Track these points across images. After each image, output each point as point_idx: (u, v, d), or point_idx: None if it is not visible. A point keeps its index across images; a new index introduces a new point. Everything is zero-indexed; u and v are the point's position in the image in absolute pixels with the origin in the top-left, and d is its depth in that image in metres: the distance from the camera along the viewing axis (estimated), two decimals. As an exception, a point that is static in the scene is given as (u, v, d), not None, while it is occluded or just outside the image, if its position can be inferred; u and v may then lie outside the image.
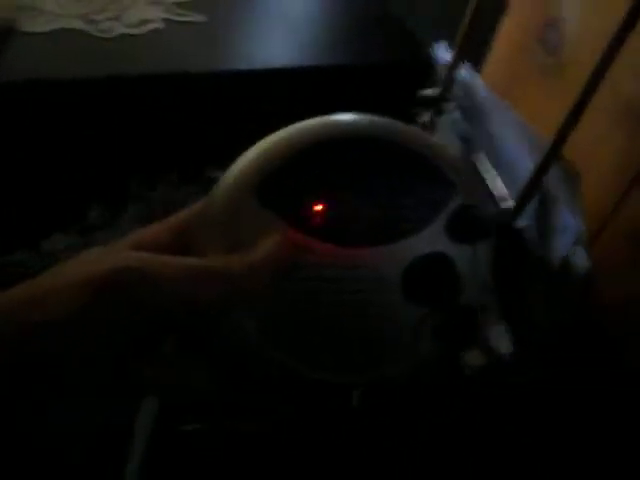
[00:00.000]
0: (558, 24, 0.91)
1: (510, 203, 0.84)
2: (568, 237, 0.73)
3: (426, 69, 0.60)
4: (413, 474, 0.74)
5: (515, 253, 0.84)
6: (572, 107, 0.69)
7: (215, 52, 0.61)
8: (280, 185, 0.36)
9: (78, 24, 0.89)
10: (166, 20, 0.90)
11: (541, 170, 0.74)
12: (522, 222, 0.83)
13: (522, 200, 0.77)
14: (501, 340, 0.88)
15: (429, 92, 0.91)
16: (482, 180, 0.90)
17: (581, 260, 0.73)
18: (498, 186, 0.87)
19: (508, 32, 1.03)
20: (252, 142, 0.38)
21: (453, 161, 0.40)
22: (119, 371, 0.32)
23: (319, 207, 0.37)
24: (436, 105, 0.90)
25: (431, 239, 0.39)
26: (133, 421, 0.55)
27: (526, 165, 0.78)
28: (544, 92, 0.94)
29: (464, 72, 0.91)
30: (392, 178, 0.38)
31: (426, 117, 0.94)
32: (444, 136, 1.01)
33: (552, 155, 0.72)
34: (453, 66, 0.86)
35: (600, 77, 0.67)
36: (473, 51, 1.00)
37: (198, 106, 0.60)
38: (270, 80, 0.58)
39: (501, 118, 0.85)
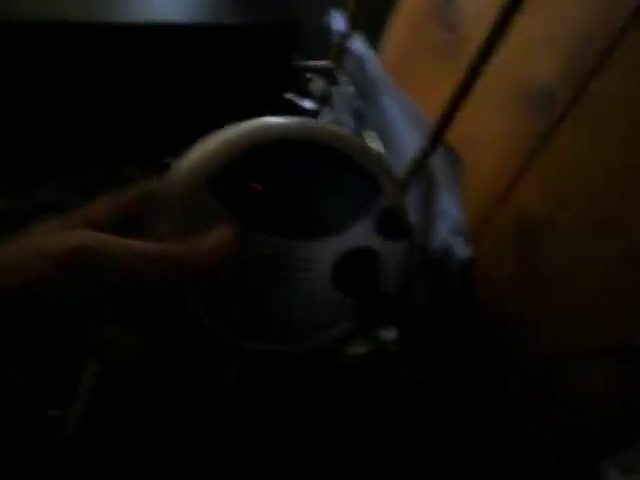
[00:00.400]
0: (456, 1, 0.87)
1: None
2: (447, 224, 0.70)
3: (292, 35, 0.54)
4: (285, 454, 0.72)
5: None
6: (457, 88, 0.66)
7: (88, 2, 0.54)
8: (227, 181, 0.41)
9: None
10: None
11: (425, 152, 0.71)
12: (408, 206, 0.80)
13: (406, 182, 0.74)
14: (384, 327, 0.85)
15: (322, 63, 0.86)
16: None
17: (460, 249, 0.70)
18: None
19: (407, 7, 0.99)
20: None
21: (381, 164, 0.45)
22: (67, 337, 0.36)
23: (260, 202, 0.42)
24: (329, 76, 0.85)
25: (360, 235, 0.45)
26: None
27: (414, 147, 0.75)
28: (441, 71, 0.91)
29: (358, 44, 0.87)
30: (326, 180, 0.43)
31: (320, 87, 0.88)
32: (339, 109, 0.96)
33: (437, 137, 0.69)
34: (345, 37, 0.81)
35: (487, 56, 0.64)
36: (374, 26, 0.96)
37: (72, 59, 0.53)
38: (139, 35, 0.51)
39: (391, 97, 0.81)
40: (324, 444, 0.75)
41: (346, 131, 0.45)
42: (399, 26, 1.01)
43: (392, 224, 0.45)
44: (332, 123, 0.42)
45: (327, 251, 0.45)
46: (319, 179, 0.43)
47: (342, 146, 0.43)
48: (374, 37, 0.97)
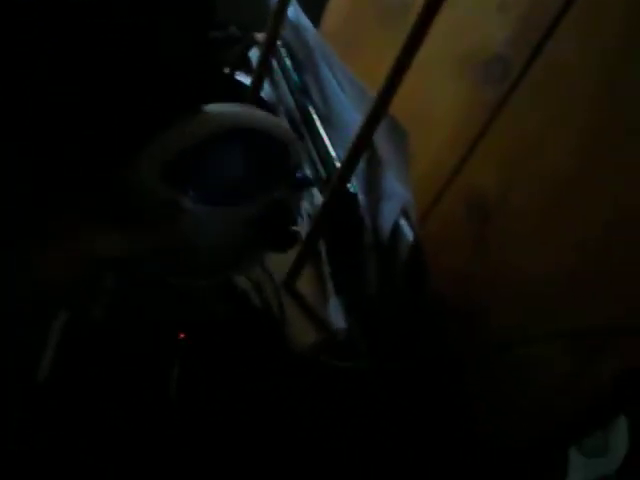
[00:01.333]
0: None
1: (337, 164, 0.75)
2: (394, 205, 0.65)
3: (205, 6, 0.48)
4: (227, 459, 0.68)
5: (348, 221, 0.76)
6: (399, 54, 0.60)
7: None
8: (175, 167, 0.50)
9: None
10: None
11: (368, 127, 0.65)
12: (354, 186, 0.75)
13: (350, 160, 0.68)
14: (335, 315, 0.80)
15: (258, 34, 0.79)
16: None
17: (409, 233, 0.65)
18: (327, 145, 0.78)
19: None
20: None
21: (288, 133, 0.57)
22: None
23: (202, 182, 0.52)
24: (267, 46, 0.79)
25: (274, 191, 0.57)
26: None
27: (357, 122, 0.69)
28: (386, 39, 0.85)
29: (295, 13, 0.80)
30: (250, 155, 0.54)
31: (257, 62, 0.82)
32: (278, 83, 0.90)
33: (380, 110, 0.63)
34: (281, 4, 0.74)
35: (429, 19, 0.58)
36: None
37: None
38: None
39: (331, 68, 0.75)
40: (273, 436, 0.71)
41: (259, 112, 0.55)
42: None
43: (297, 180, 0.58)
44: (248, 107, 0.56)
45: (252, 208, 0.56)
46: (243, 155, 0.54)
47: (257, 125, 0.53)
48: (313, 6, 0.90)
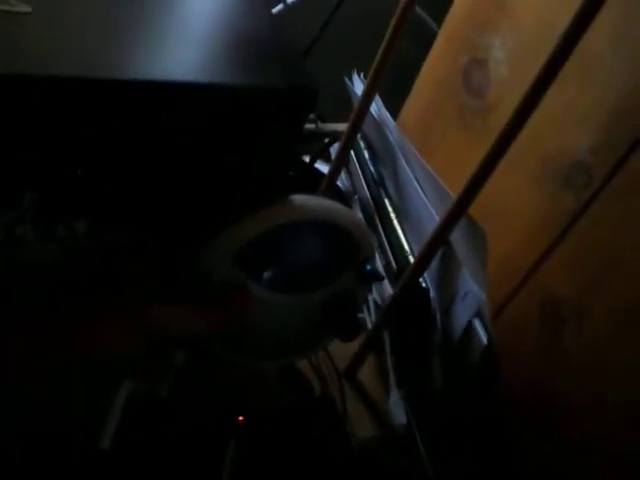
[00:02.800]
0: (485, 65, 0.83)
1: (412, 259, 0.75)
2: (468, 305, 0.64)
3: (309, 100, 0.50)
4: None
5: (417, 315, 0.75)
6: (485, 157, 0.61)
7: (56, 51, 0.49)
8: (246, 256, 0.51)
9: None
10: None
11: (446, 226, 0.65)
12: (426, 281, 0.75)
13: (425, 256, 0.68)
14: (395, 409, 0.79)
15: (340, 126, 0.82)
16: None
17: (481, 333, 0.64)
18: (401, 239, 0.78)
19: (431, 70, 0.95)
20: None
21: (361, 227, 0.57)
22: None
23: (273, 270, 0.54)
24: (347, 139, 0.81)
25: (343, 282, 0.58)
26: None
27: (432, 220, 0.69)
28: (465, 139, 0.86)
29: (377, 108, 0.83)
30: (317, 246, 0.55)
31: (337, 151, 0.84)
32: (354, 173, 0.92)
33: (459, 209, 0.64)
34: (364, 100, 0.77)
35: (518, 127, 0.59)
36: (395, 89, 0.92)
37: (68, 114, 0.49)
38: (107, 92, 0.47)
39: (410, 164, 0.76)
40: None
41: (334, 205, 0.55)
42: (421, 90, 0.97)
43: (367, 273, 0.59)
44: (323, 199, 0.55)
45: (318, 297, 0.58)
46: (314, 246, 0.55)
47: (330, 217, 0.54)
48: (393, 101, 0.93)
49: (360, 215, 0.86)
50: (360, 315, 0.87)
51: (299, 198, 0.53)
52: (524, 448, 0.72)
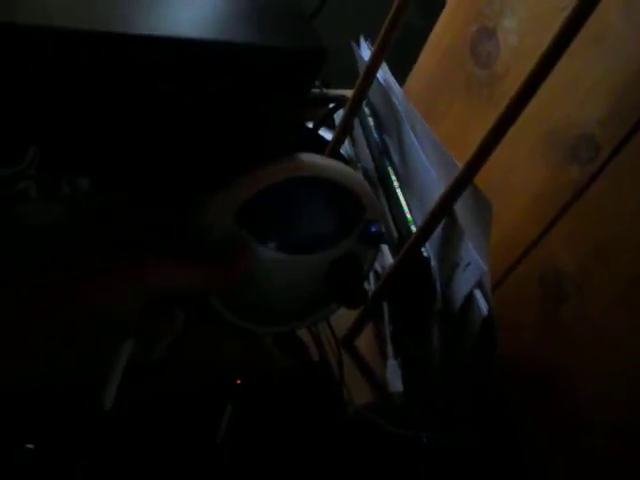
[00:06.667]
0: (494, 34, 0.82)
1: (414, 228, 0.75)
2: (470, 275, 0.64)
3: (316, 61, 0.49)
4: None
5: (418, 284, 0.75)
6: (492, 127, 0.60)
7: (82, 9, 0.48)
8: (248, 212, 0.50)
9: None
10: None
11: (451, 196, 0.65)
12: (428, 250, 0.74)
13: (428, 225, 0.68)
14: (392, 377, 0.79)
15: (345, 92, 0.81)
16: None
17: (481, 304, 0.64)
18: (403, 207, 0.78)
19: (439, 39, 0.94)
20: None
21: (365, 188, 0.56)
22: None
23: (274, 227, 0.53)
24: (352, 105, 0.80)
25: (347, 244, 0.57)
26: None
27: (436, 189, 0.69)
28: (471, 108, 0.85)
29: (383, 74, 0.81)
30: (325, 207, 0.55)
31: (341, 117, 0.83)
32: (358, 140, 0.91)
33: (464, 179, 0.63)
34: (371, 66, 0.75)
35: (528, 97, 0.58)
36: (401, 56, 0.91)
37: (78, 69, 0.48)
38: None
39: (416, 134, 0.75)
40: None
41: (337, 164, 0.54)
42: (428, 57, 0.96)
43: (372, 235, 0.57)
44: (325, 157, 0.54)
45: (323, 259, 0.57)
46: (318, 205, 0.54)
47: (334, 176, 0.53)
48: (399, 69, 0.92)
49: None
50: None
51: (302, 156, 0.52)
52: (519, 419, 0.73)
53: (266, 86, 0.51)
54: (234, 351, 0.71)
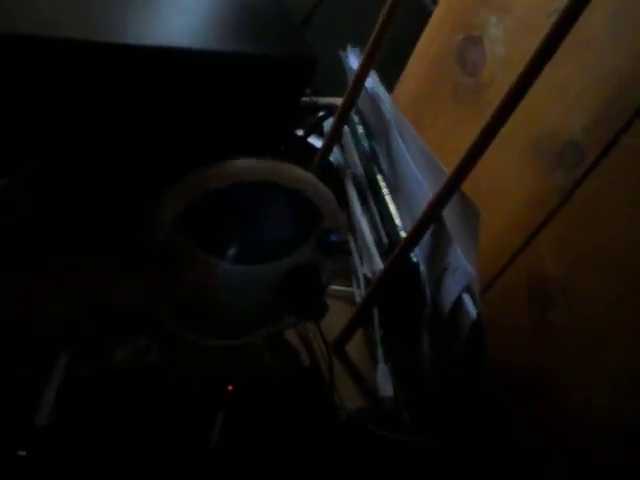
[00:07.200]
0: (480, 42, 0.83)
1: (403, 234, 0.76)
2: (458, 280, 0.65)
3: (308, 70, 0.50)
4: None
5: (407, 290, 0.76)
6: (479, 134, 0.61)
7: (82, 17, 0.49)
8: (191, 220, 0.47)
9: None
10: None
11: (439, 203, 0.66)
12: (417, 255, 0.75)
13: (417, 231, 0.69)
14: (382, 382, 0.80)
15: (334, 100, 0.82)
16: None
17: (469, 308, 0.65)
18: (392, 214, 0.79)
19: (425, 47, 0.95)
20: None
21: (324, 194, 0.52)
22: None
23: (224, 238, 0.50)
24: (342, 113, 0.81)
25: (304, 253, 0.53)
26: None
27: (424, 195, 0.70)
28: (459, 115, 0.87)
29: (372, 82, 0.83)
30: (276, 212, 0.51)
31: (330, 125, 0.84)
32: (347, 148, 0.92)
33: (452, 186, 0.64)
34: (360, 74, 0.77)
35: (514, 104, 0.59)
36: (390, 65, 0.92)
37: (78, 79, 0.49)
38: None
39: (405, 141, 0.76)
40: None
41: (293, 168, 0.51)
42: (415, 66, 0.97)
43: (330, 244, 0.55)
44: (279, 162, 0.50)
45: (276, 269, 0.54)
46: (270, 212, 0.51)
47: (288, 182, 0.50)
48: (386, 77, 0.93)
49: (353, 189, 0.86)
50: (349, 289, 0.88)
51: (249, 160, 0.49)
52: (509, 422, 0.74)
53: (257, 93, 0.52)
54: (224, 357, 0.71)
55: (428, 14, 0.95)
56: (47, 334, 0.44)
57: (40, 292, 0.43)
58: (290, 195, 0.50)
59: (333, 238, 0.55)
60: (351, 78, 0.81)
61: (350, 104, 0.81)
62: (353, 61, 0.88)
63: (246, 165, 0.48)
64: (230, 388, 0.73)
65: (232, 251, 0.51)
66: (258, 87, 0.53)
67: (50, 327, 0.43)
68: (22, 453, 0.59)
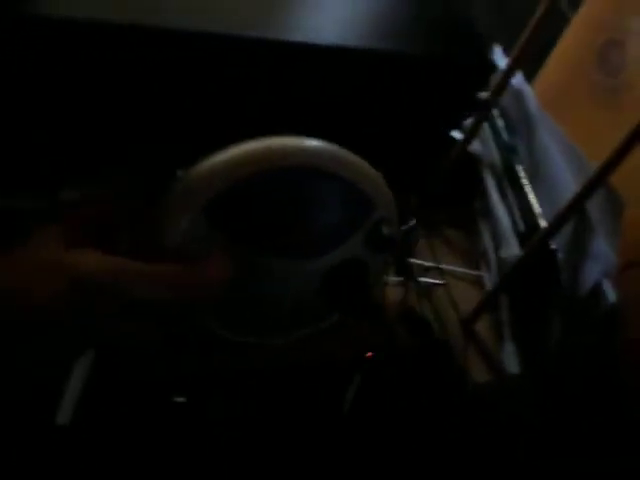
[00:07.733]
0: (622, 45, 0.87)
1: (543, 222, 0.81)
2: (598, 266, 0.70)
3: (486, 72, 0.55)
4: None
5: (543, 274, 0.81)
6: (627, 135, 0.66)
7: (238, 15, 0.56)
8: (224, 207, 0.40)
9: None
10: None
11: (584, 195, 0.71)
12: (556, 242, 0.80)
13: (559, 221, 0.74)
14: (509, 359, 0.85)
15: (483, 95, 0.87)
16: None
17: (609, 293, 0.70)
18: (532, 202, 0.84)
19: (566, 48, 0.99)
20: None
21: (375, 182, 0.45)
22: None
23: (261, 229, 0.43)
24: (485, 110, 0.87)
25: (350, 248, 0.47)
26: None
27: (567, 186, 0.75)
28: (597, 114, 0.90)
29: (517, 81, 0.88)
30: (319, 201, 0.44)
31: (471, 121, 0.90)
32: (485, 142, 0.98)
33: (598, 181, 0.69)
34: (507, 73, 0.83)
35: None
36: (528, 62, 0.97)
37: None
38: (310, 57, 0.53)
39: (548, 135, 0.82)
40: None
41: (346, 152, 0.44)
42: (554, 66, 1.01)
43: (380, 238, 0.48)
44: (323, 143, 0.43)
45: (319, 266, 0.47)
46: (313, 200, 0.44)
47: (339, 169, 0.43)
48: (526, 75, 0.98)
49: (490, 177, 0.91)
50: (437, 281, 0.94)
51: (285, 140, 0.42)
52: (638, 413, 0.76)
53: (432, 94, 0.57)
54: (364, 329, 0.76)
55: (566, 19, 0.99)
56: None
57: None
58: (336, 183, 0.43)
59: (384, 231, 0.48)
60: (497, 76, 0.86)
61: (495, 100, 0.87)
62: (498, 60, 0.94)
63: (284, 148, 0.41)
64: (369, 355, 0.78)
65: (267, 245, 0.44)
66: (435, 87, 0.57)
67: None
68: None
